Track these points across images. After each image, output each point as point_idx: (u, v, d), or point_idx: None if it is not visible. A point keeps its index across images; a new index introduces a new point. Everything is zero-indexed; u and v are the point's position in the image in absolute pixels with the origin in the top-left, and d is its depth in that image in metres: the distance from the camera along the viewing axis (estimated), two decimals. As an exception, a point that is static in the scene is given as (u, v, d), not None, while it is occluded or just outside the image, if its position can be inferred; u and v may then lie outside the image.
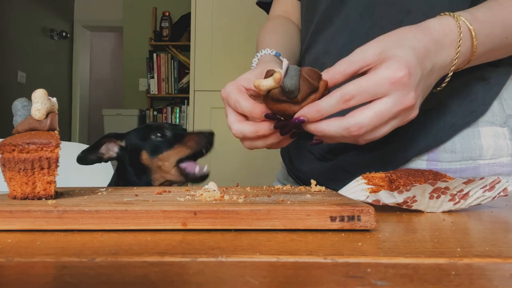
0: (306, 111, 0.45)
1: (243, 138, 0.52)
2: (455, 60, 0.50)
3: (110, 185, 1.08)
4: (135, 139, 1.03)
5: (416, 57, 0.46)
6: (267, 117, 0.48)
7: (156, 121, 3.59)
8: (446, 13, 0.51)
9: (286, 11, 0.82)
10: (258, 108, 0.48)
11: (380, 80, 0.43)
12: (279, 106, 0.45)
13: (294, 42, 0.75)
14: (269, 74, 0.44)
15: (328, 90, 0.46)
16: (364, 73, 0.47)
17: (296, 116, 0.45)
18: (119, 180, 1.07)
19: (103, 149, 1.04)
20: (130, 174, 1.05)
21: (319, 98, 0.45)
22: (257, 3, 0.88)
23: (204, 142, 0.96)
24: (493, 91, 0.61)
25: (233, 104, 0.51)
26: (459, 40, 0.49)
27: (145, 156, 1.00)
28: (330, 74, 0.46)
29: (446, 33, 0.49)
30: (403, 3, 0.60)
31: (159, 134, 0.99)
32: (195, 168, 1.00)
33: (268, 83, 0.43)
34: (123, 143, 1.05)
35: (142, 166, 1.02)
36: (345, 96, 0.44)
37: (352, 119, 0.45)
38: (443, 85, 0.53)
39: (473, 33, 0.50)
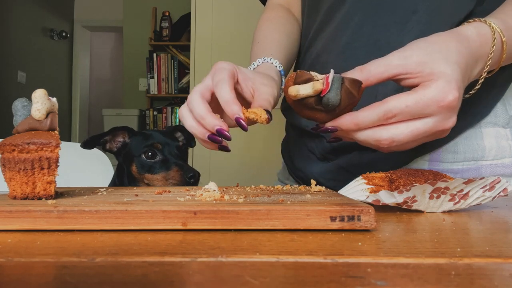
0: (341, 122, 0.43)
1: (190, 110, 0.48)
2: (484, 73, 0.48)
3: (110, 184, 1.09)
4: (134, 145, 1.04)
5: (462, 76, 0.43)
6: (237, 122, 0.44)
7: (156, 121, 3.58)
8: (481, 20, 0.48)
9: (287, 2, 0.79)
10: (236, 106, 0.45)
11: (429, 101, 0.41)
12: (311, 113, 0.43)
13: (294, 44, 0.73)
14: (303, 78, 0.40)
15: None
16: (398, 80, 0.44)
17: (330, 125, 0.43)
18: (117, 178, 1.08)
19: (108, 137, 1.05)
20: (125, 174, 1.06)
21: (354, 107, 0.43)
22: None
23: (184, 183, 0.98)
24: (497, 93, 0.60)
25: (215, 82, 0.47)
26: (491, 53, 0.47)
27: (134, 169, 1.04)
28: (364, 76, 0.43)
29: (481, 45, 0.47)
30: (409, 3, 0.59)
31: (150, 154, 1.01)
32: None
33: (306, 92, 0.39)
34: (127, 140, 1.06)
35: (132, 174, 1.05)
36: (388, 113, 0.41)
37: (386, 132, 0.42)
38: (467, 96, 0.51)
39: (504, 46, 0.48)
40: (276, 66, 0.62)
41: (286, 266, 0.24)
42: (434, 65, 0.42)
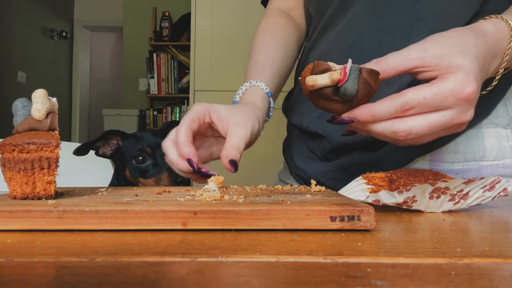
0: (358, 113, 0.42)
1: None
2: (501, 69, 0.48)
3: (109, 184, 1.09)
4: (126, 149, 1.05)
5: (480, 69, 0.43)
6: (189, 162, 0.49)
7: (156, 121, 3.59)
8: (498, 16, 0.48)
9: (287, 7, 0.78)
10: (186, 148, 0.49)
11: (447, 93, 0.41)
12: (328, 104, 0.42)
13: (291, 54, 0.72)
14: (320, 68, 0.40)
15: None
16: (415, 73, 0.43)
17: (346, 116, 0.43)
18: (116, 178, 1.09)
19: (101, 142, 1.05)
20: (122, 177, 1.07)
21: (371, 98, 0.42)
22: (262, 2, 0.87)
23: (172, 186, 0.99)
24: (499, 94, 0.60)
25: (179, 127, 0.51)
26: (508, 49, 0.47)
27: (127, 173, 1.05)
28: (381, 68, 0.42)
29: (499, 40, 0.46)
30: (415, 9, 0.58)
31: (140, 158, 1.02)
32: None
33: (323, 82, 0.39)
34: (121, 143, 1.06)
35: (126, 177, 1.05)
36: (406, 105, 0.41)
37: (403, 124, 0.42)
38: (484, 92, 0.50)
39: None
40: (263, 89, 0.63)
41: (286, 266, 0.24)
42: (452, 58, 0.42)
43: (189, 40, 2.83)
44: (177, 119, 3.55)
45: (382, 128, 0.43)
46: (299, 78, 0.43)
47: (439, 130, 0.43)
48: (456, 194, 0.41)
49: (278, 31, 0.73)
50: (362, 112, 0.42)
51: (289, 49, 0.72)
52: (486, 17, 0.49)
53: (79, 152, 0.99)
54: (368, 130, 0.44)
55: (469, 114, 0.43)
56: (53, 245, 0.28)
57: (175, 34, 3.62)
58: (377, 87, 0.41)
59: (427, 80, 0.44)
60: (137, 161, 1.02)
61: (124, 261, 0.25)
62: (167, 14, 3.64)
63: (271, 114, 0.65)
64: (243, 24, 2.57)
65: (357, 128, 0.45)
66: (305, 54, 0.73)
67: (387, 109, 0.41)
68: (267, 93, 0.63)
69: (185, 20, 3.52)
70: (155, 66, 3.58)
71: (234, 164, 0.49)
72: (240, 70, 2.53)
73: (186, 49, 3.40)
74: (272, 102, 0.65)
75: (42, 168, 0.38)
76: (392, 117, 0.42)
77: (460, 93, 0.41)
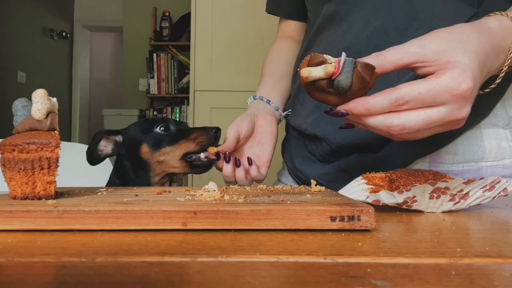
0: (353, 106, 0.42)
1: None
2: (505, 67, 0.47)
3: (108, 183, 1.07)
4: (134, 132, 1.00)
5: (479, 66, 0.42)
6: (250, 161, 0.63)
7: (156, 121, 3.58)
8: (503, 13, 0.47)
9: (288, 32, 0.86)
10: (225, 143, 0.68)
11: (442, 89, 0.40)
12: (323, 96, 0.42)
13: (290, 63, 0.82)
14: (316, 60, 0.40)
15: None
16: (414, 68, 0.43)
17: (341, 108, 0.43)
18: (117, 177, 1.06)
19: (101, 146, 1.03)
20: (128, 170, 1.03)
21: (367, 92, 0.42)
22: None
23: (213, 140, 0.93)
24: (497, 94, 0.60)
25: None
26: None
27: (145, 150, 0.96)
28: (380, 61, 0.42)
29: (503, 37, 0.46)
30: (410, 10, 0.58)
31: (162, 128, 0.97)
32: (201, 155, 0.96)
33: (317, 74, 0.40)
34: (118, 138, 1.04)
35: (140, 161, 1.00)
36: (400, 100, 0.41)
37: (397, 119, 0.42)
38: (486, 90, 0.50)
39: None
40: (266, 101, 0.76)
41: (286, 266, 0.24)
42: (451, 54, 0.41)
43: (189, 40, 2.83)
44: (177, 119, 3.55)
45: (376, 122, 0.43)
46: (298, 69, 0.43)
47: (434, 126, 0.43)
48: (456, 194, 0.41)
49: (283, 49, 0.85)
50: (357, 105, 0.42)
51: (290, 59, 0.83)
52: (491, 14, 0.48)
53: (93, 162, 0.97)
54: (363, 124, 0.44)
55: (465, 111, 0.42)
56: (53, 245, 0.28)
57: (175, 34, 3.62)
58: (372, 82, 0.41)
59: (425, 76, 0.43)
60: (160, 130, 0.97)
61: (124, 261, 0.25)
62: (167, 14, 3.64)
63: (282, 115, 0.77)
64: (243, 24, 2.57)
65: (353, 121, 0.45)
66: (302, 54, 0.74)
67: (382, 103, 0.41)
68: (266, 101, 0.76)
69: (185, 20, 3.51)
70: (155, 66, 3.58)
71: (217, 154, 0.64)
72: (240, 70, 2.53)
73: (186, 49, 3.40)
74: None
75: (42, 168, 0.38)
76: (387, 111, 0.42)
77: (456, 90, 0.40)
